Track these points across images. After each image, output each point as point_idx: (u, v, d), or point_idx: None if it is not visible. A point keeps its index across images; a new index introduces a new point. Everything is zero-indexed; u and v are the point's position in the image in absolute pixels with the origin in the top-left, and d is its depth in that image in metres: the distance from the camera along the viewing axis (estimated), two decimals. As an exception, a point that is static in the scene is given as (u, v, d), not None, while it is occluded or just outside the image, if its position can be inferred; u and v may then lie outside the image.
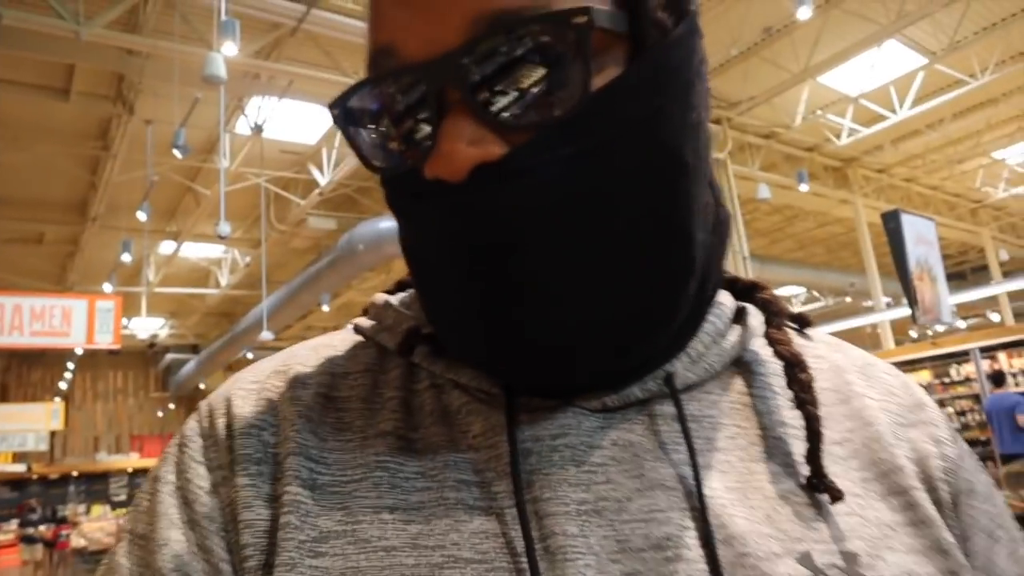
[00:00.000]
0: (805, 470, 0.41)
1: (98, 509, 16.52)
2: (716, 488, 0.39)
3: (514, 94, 0.36)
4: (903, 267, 7.66)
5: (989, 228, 15.61)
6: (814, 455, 0.40)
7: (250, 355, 16.48)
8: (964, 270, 18.94)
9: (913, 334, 15.26)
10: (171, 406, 21.23)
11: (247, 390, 0.46)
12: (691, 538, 0.37)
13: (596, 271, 0.37)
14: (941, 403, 9.64)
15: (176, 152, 7.59)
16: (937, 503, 0.42)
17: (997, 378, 7.83)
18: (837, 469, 0.42)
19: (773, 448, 0.42)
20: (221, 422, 0.44)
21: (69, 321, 9.27)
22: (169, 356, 20.34)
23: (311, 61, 7.53)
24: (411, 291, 0.51)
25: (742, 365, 0.47)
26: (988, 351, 9.10)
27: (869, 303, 13.83)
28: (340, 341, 0.50)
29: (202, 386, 18.97)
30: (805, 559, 0.37)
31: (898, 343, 13.74)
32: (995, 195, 14.43)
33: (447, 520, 0.38)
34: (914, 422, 0.46)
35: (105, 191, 10.19)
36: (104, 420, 21.25)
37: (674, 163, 0.39)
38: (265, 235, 11.28)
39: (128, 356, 20.24)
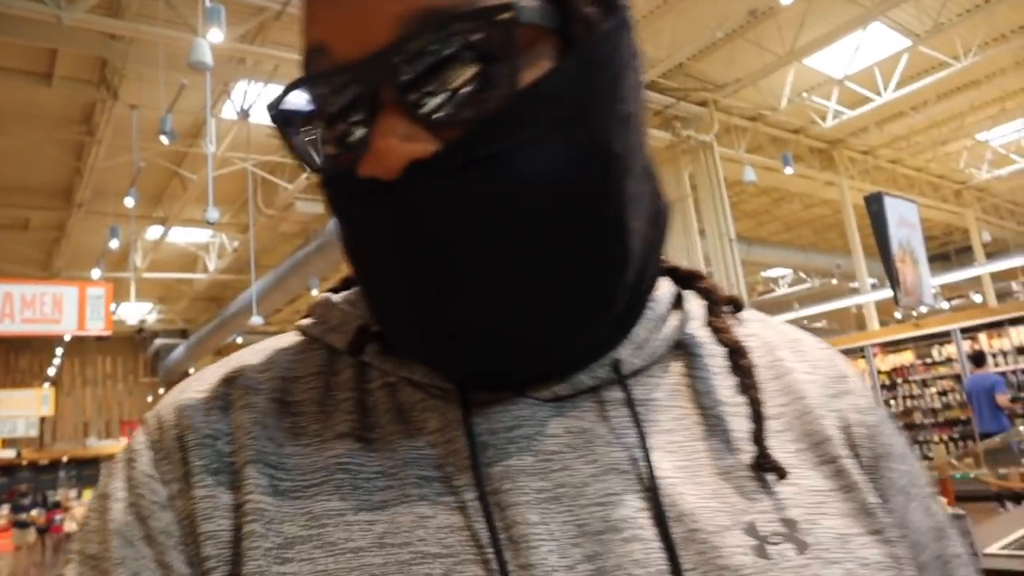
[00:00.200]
0: (748, 447, 0.43)
1: (90, 494, 16.49)
2: (666, 468, 0.41)
3: (445, 92, 0.37)
4: (886, 250, 7.72)
5: (973, 209, 15.74)
6: (759, 437, 0.43)
7: (240, 340, 16.47)
8: (948, 251, 19.08)
9: (898, 315, 15.42)
10: (160, 391, 21.10)
11: (197, 400, 0.44)
12: (645, 518, 0.39)
13: (530, 262, 0.38)
14: (924, 383, 9.79)
15: (163, 138, 7.53)
16: (861, 468, 0.45)
17: (977, 358, 7.99)
18: (774, 442, 0.44)
19: (714, 426, 0.44)
20: (172, 434, 0.43)
21: (60, 308, 9.24)
22: (158, 341, 20.28)
23: (297, 45, 7.44)
24: (355, 289, 0.51)
25: (681, 348, 0.48)
26: (969, 332, 9.26)
27: (855, 284, 13.96)
28: (287, 344, 0.49)
29: (191, 371, 18.89)
30: (750, 529, 0.39)
31: (883, 324, 13.86)
32: (978, 176, 14.54)
33: (411, 517, 0.39)
34: (839, 393, 0.48)
35: (90, 176, 10.11)
36: (93, 406, 21.22)
37: (603, 155, 0.39)
38: (253, 219, 11.22)
39: (117, 342, 20.18)
